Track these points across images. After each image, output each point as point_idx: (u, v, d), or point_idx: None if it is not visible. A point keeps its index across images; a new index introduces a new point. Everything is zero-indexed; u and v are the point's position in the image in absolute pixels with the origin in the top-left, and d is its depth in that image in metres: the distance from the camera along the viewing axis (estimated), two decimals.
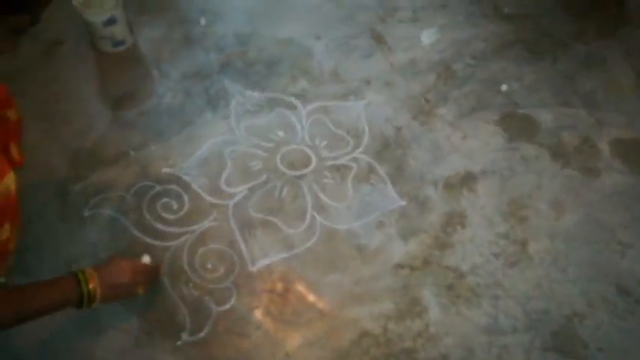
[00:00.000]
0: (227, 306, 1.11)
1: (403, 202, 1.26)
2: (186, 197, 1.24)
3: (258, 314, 1.10)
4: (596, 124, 1.41)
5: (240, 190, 1.26)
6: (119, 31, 1.44)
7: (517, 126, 1.40)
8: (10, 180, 0.87)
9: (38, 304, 0.84)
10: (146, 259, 1.09)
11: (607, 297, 1.15)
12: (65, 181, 1.26)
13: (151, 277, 1.08)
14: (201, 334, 1.07)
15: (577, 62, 1.53)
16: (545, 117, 1.42)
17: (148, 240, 1.18)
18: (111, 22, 1.40)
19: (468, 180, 1.30)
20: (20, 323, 0.84)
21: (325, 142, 1.35)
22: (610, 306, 1.13)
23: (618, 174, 1.32)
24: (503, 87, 1.47)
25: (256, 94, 1.44)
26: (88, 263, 1.13)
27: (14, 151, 1.05)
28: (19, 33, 0.75)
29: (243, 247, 1.18)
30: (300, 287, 1.14)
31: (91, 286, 0.90)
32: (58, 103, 1.40)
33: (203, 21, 1.60)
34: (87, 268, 0.93)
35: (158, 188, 1.25)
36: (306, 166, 1.31)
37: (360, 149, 1.34)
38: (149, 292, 1.07)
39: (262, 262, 1.16)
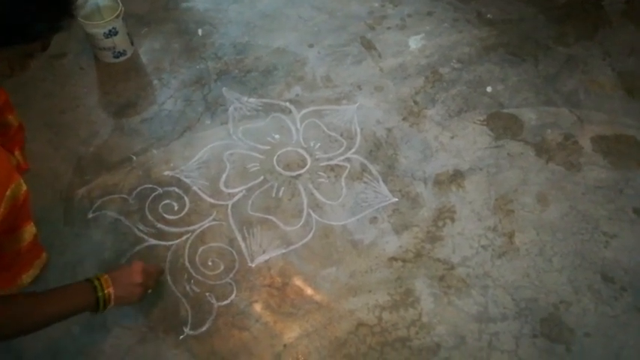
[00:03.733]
0: (227, 301, 1.15)
1: (395, 199, 1.31)
2: (186, 198, 1.29)
3: (257, 308, 1.15)
4: (578, 122, 1.47)
5: (239, 190, 1.31)
6: (120, 42, 1.50)
7: (502, 125, 1.46)
8: (19, 185, 0.90)
9: (57, 311, 0.88)
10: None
11: (592, 285, 1.19)
12: (70, 186, 1.31)
13: (158, 279, 1.13)
14: (203, 329, 1.11)
15: (558, 64, 1.60)
16: (529, 116, 1.48)
17: (151, 240, 1.22)
18: (112, 33, 1.46)
19: (456, 177, 1.36)
20: (38, 329, 0.87)
21: (319, 144, 1.41)
22: (595, 293, 1.18)
23: (600, 168, 1.38)
24: (489, 88, 1.54)
25: (253, 100, 1.50)
26: (93, 263, 1.18)
27: (19, 158, 1.08)
28: (30, 58, 0.80)
29: (242, 244, 1.23)
30: (298, 281, 1.18)
31: (106, 291, 0.95)
32: (62, 112, 1.45)
33: (200, 32, 1.66)
34: (101, 274, 0.98)
35: (160, 190, 1.30)
36: (301, 166, 1.36)
37: (353, 150, 1.40)
38: (154, 292, 1.12)
39: (261, 259, 1.21)
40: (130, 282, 1.00)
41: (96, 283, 0.95)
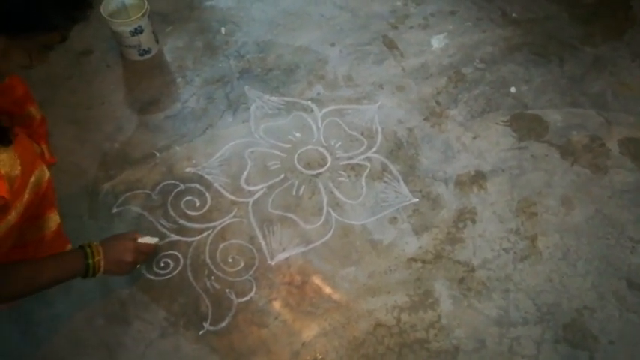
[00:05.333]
0: (247, 297, 1.16)
1: (416, 199, 1.31)
2: (208, 195, 1.31)
3: (276, 305, 1.15)
4: (605, 124, 1.44)
5: (260, 188, 1.32)
6: (145, 40, 1.52)
7: (526, 126, 1.44)
8: (42, 172, 0.92)
9: (50, 276, 0.93)
10: (146, 238, 1.14)
11: (617, 291, 1.17)
12: (95, 181, 1.33)
13: (151, 254, 1.17)
14: (223, 324, 1.12)
15: (585, 64, 1.57)
16: (554, 117, 1.45)
17: (173, 235, 1.24)
18: (137, 31, 1.48)
19: (478, 178, 1.34)
20: (33, 293, 0.93)
21: (340, 143, 1.41)
22: (620, 300, 1.16)
23: (627, 172, 1.35)
24: (512, 89, 1.51)
25: (274, 99, 1.50)
26: None
27: (45, 151, 1.10)
28: (50, 49, 0.81)
29: (262, 242, 1.24)
30: (317, 280, 1.19)
31: (96, 258, 1.00)
32: (89, 109, 1.48)
33: (223, 30, 1.68)
34: (94, 242, 1.02)
35: (182, 187, 1.32)
36: (321, 165, 1.37)
37: (374, 149, 1.40)
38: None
39: (280, 256, 1.22)
40: (120, 259, 1.04)
41: (87, 250, 0.99)
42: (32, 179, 0.88)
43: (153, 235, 1.17)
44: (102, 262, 1.00)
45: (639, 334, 1.11)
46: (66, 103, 1.49)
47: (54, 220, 1.01)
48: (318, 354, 1.09)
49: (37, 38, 0.76)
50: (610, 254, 1.22)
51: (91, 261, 0.98)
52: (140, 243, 1.10)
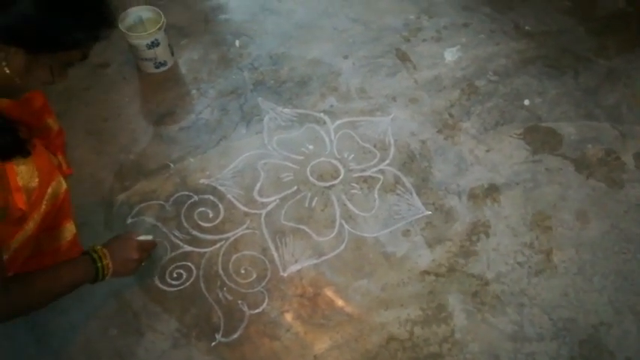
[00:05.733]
0: (259, 309, 1.16)
1: (428, 212, 1.30)
2: (221, 206, 1.31)
3: (288, 317, 1.15)
4: (620, 137, 1.43)
5: (273, 200, 1.33)
6: (161, 53, 1.55)
7: (540, 139, 1.43)
8: (59, 184, 0.94)
9: (60, 285, 0.93)
10: (142, 237, 1.15)
11: (635, 306, 1.15)
12: (110, 191, 1.35)
13: (150, 252, 1.17)
14: (235, 336, 1.12)
15: (599, 77, 1.56)
16: (569, 130, 1.44)
17: (186, 246, 1.25)
18: (154, 44, 1.51)
19: (491, 191, 1.33)
20: (49, 303, 0.92)
21: (353, 155, 1.41)
22: (637, 315, 1.14)
23: None
24: (526, 102, 1.51)
25: (287, 111, 1.51)
26: None
27: (62, 162, 1.12)
28: (70, 66, 0.83)
29: (274, 253, 1.24)
30: (329, 292, 1.18)
31: (105, 262, 1.00)
32: (105, 121, 1.50)
33: (238, 43, 1.70)
34: (98, 246, 1.02)
35: (195, 198, 1.33)
36: (334, 177, 1.37)
37: (387, 161, 1.40)
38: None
39: (293, 268, 1.22)
40: (127, 257, 1.05)
41: (94, 255, 1.00)
42: (49, 190, 0.90)
43: (153, 237, 1.20)
44: (110, 264, 1.01)
45: None
46: (83, 114, 1.51)
47: (70, 230, 1.03)
48: None
49: (59, 55, 0.78)
50: (626, 269, 1.20)
51: (100, 264, 0.99)
52: (141, 240, 1.12)
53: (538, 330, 1.12)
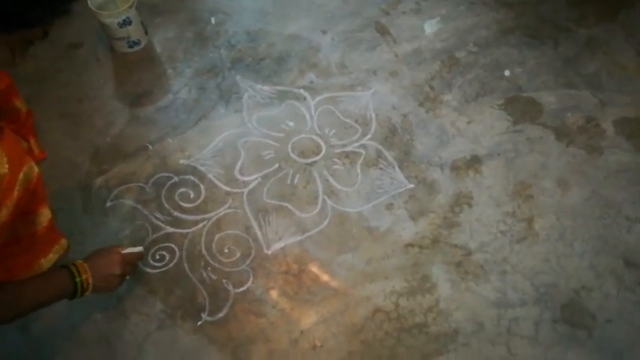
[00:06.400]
0: (244, 288, 1.15)
1: (411, 185, 1.30)
2: (202, 186, 1.30)
3: (274, 294, 1.15)
4: (599, 105, 1.43)
5: (254, 178, 1.31)
6: (134, 31, 1.50)
7: (521, 109, 1.43)
8: (31, 168, 0.90)
9: (35, 299, 0.89)
10: (130, 249, 1.08)
11: (615, 270, 1.17)
12: (87, 175, 1.32)
13: (137, 263, 1.13)
14: (220, 315, 1.12)
15: (579, 46, 1.56)
16: (549, 99, 1.44)
17: (168, 228, 1.23)
18: (126, 23, 1.46)
19: (473, 162, 1.34)
20: (18, 318, 0.88)
21: (334, 131, 1.40)
22: (618, 279, 1.16)
23: (623, 152, 1.34)
24: (506, 72, 1.50)
25: (266, 88, 1.49)
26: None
27: (34, 146, 1.09)
28: (30, 45, 0.80)
29: (258, 231, 1.23)
30: (314, 268, 1.18)
31: (83, 277, 0.95)
32: (79, 103, 1.47)
33: (214, 20, 1.66)
34: (78, 261, 0.98)
35: (176, 179, 1.31)
36: (316, 153, 1.36)
37: (369, 136, 1.39)
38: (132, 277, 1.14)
39: (277, 246, 1.21)
40: (108, 273, 1.00)
41: (72, 268, 0.95)
42: (21, 176, 0.87)
43: (137, 243, 1.16)
44: (90, 280, 0.96)
45: (636, 312, 1.11)
46: (56, 97, 1.47)
47: (45, 215, 1.00)
48: (317, 341, 1.09)
49: (18, 33, 0.74)
50: (607, 234, 1.22)
51: (79, 279, 0.95)
52: (126, 253, 1.06)
53: (521, 296, 1.14)
